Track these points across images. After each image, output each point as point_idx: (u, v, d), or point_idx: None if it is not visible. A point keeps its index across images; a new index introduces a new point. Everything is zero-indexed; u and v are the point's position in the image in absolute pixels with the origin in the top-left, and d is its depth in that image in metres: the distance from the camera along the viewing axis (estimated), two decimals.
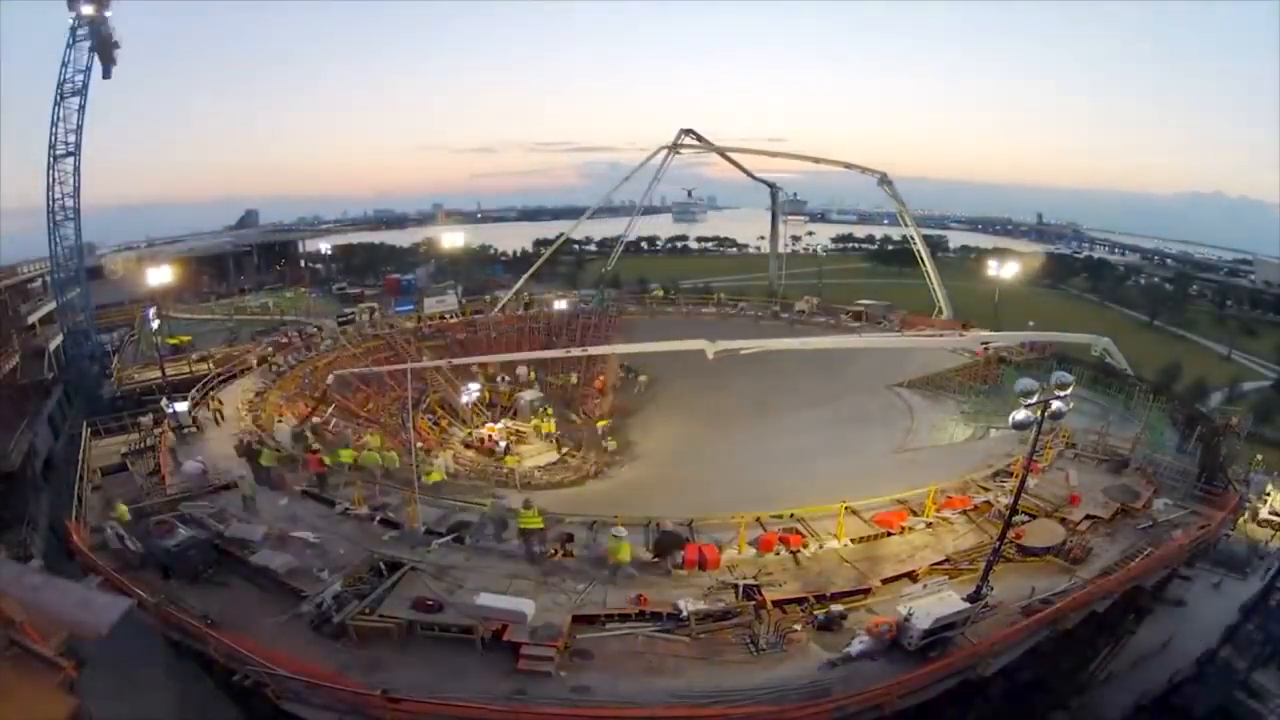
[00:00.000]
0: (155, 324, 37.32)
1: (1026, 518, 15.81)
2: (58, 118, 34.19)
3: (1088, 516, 16.12)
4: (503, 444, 30.97)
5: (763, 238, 76.35)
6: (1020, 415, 11.79)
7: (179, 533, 14.25)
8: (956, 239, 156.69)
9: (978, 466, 19.25)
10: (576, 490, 26.84)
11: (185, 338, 45.21)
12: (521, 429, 33.63)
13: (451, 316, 41.99)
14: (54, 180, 34.84)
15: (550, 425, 32.96)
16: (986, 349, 27.89)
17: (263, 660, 10.81)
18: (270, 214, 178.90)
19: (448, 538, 15.51)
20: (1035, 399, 11.69)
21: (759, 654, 11.82)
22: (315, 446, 20.62)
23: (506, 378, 37.33)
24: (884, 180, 41.67)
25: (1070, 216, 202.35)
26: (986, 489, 17.69)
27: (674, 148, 43.93)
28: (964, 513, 16.54)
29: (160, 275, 34.77)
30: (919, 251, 42.11)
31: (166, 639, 12.58)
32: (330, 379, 28.11)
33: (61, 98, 33.96)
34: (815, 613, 12.85)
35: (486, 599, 12.08)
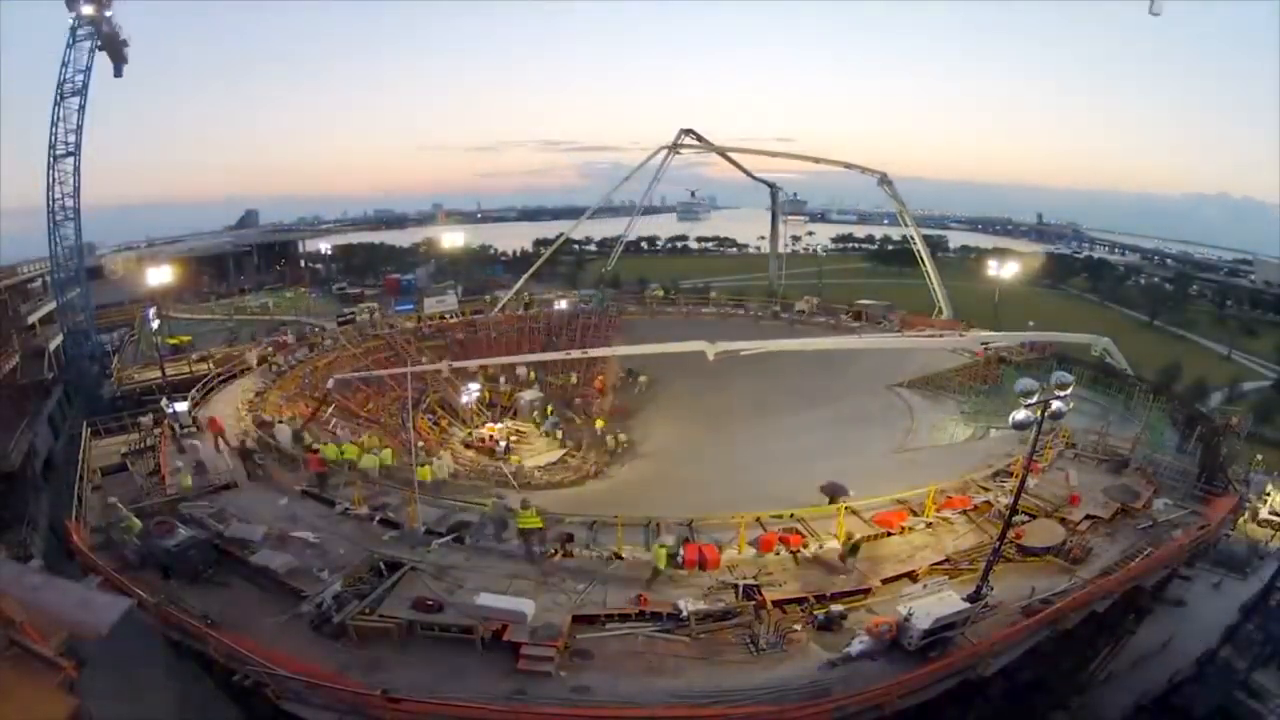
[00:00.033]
0: (155, 324, 37.26)
1: (1026, 518, 15.81)
2: (58, 118, 34.22)
3: (1088, 516, 16.11)
4: (503, 444, 30.97)
5: (763, 238, 76.39)
6: (1020, 415, 11.80)
7: (179, 533, 14.25)
8: (956, 239, 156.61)
9: (978, 466, 19.25)
10: (576, 490, 26.85)
11: (185, 338, 45.24)
12: (522, 429, 33.63)
13: (451, 316, 42.02)
14: (54, 180, 34.87)
15: (555, 437, 33.09)
16: (986, 349, 27.89)
17: (263, 660, 10.81)
18: (270, 214, 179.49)
19: (448, 538, 15.51)
20: (1035, 399, 11.70)
21: (759, 654, 11.83)
22: (315, 446, 20.63)
23: (506, 379, 37.32)
24: (884, 180, 41.68)
25: (1070, 216, 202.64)
26: (986, 489, 17.68)
27: (674, 148, 43.95)
28: (964, 513, 16.54)
29: (160, 275, 34.82)
30: (919, 251, 42.11)
31: (166, 639, 12.58)
32: (330, 382, 28.10)
33: (61, 98, 33.99)
34: (815, 613, 12.86)
35: (486, 599, 12.09)
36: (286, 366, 31.34)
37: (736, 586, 13.57)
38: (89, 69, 34.05)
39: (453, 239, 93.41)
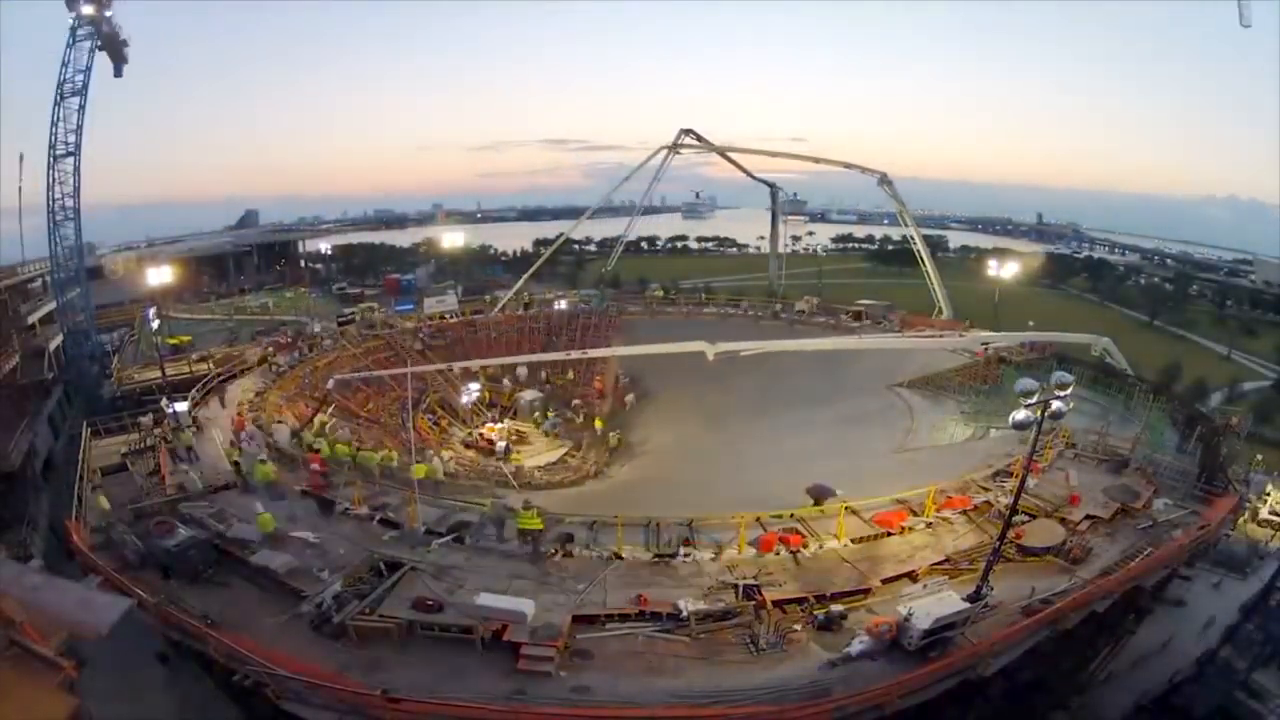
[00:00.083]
0: (155, 324, 37.25)
1: (1026, 518, 15.81)
2: (58, 118, 34.19)
3: (1088, 516, 16.12)
4: (503, 444, 30.95)
5: (763, 238, 76.38)
6: (1020, 415, 11.80)
7: (179, 533, 14.26)
8: (956, 239, 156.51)
9: (978, 466, 19.26)
10: (576, 490, 26.86)
11: (185, 338, 45.15)
12: (522, 429, 33.62)
13: (451, 316, 42.01)
14: (54, 180, 34.84)
15: (553, 437, 33.19)
16: (986, 349, 27.90)
17: (263, 660, 10.82)
18: (270, 214, 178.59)
19: (448, 538, 15.52)
20: (1035, 399, 11.70)
21: (759, 654, 11.83)
22: (315, 446, 20.62)
23: (506, 379, 37.31)
24: (884, 180, 41.73)
25: (1070, 216, 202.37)
26: (986, 489, 17.69)
27: (674, 148, 44.00)
28: (964, 513, 16.55)
29: (160, 275, 34.80)
30: (919, 251, 42.15)
31: (166, 639, 12.58)
32: (330, 382, 28.09)
33: (61, 98, 33.94)
34: (815, 613, 12.86)
35: (486, 599, 12.09)
36: (286, 367, 31.37)
37: (736, 586, 13.56)
38: (89, 69, 34.01)
39: (453, 239, 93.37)
